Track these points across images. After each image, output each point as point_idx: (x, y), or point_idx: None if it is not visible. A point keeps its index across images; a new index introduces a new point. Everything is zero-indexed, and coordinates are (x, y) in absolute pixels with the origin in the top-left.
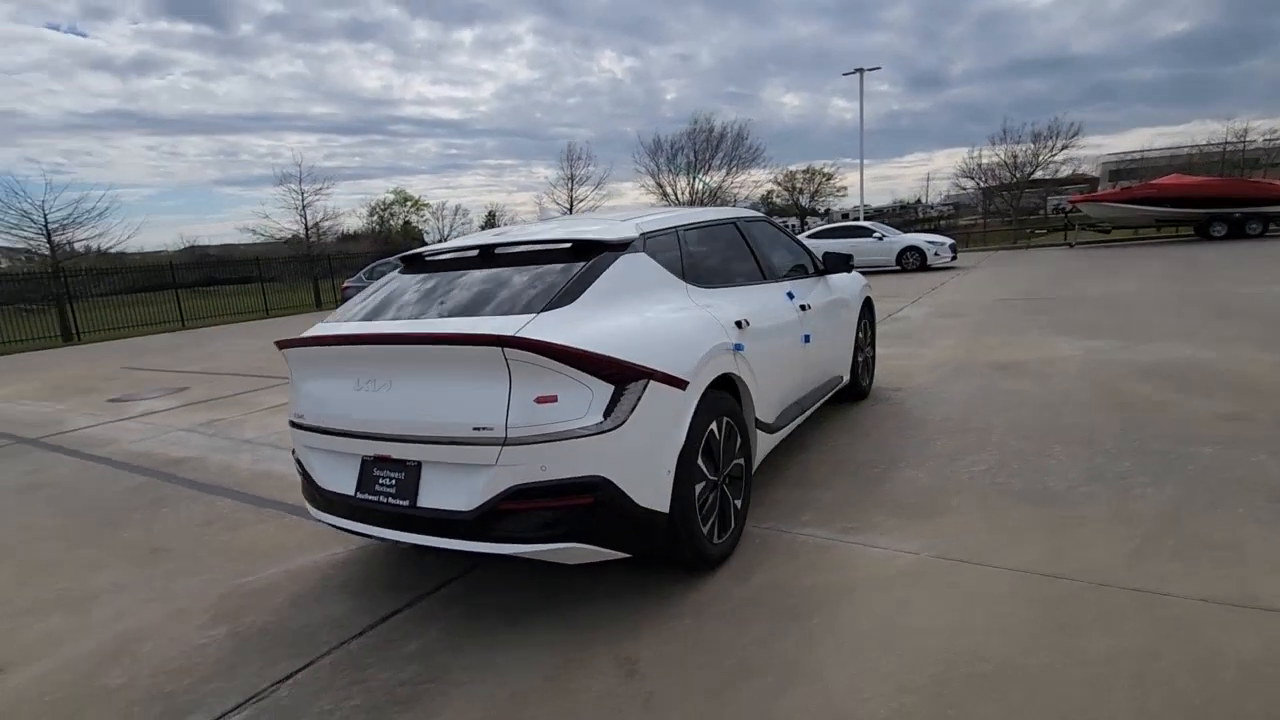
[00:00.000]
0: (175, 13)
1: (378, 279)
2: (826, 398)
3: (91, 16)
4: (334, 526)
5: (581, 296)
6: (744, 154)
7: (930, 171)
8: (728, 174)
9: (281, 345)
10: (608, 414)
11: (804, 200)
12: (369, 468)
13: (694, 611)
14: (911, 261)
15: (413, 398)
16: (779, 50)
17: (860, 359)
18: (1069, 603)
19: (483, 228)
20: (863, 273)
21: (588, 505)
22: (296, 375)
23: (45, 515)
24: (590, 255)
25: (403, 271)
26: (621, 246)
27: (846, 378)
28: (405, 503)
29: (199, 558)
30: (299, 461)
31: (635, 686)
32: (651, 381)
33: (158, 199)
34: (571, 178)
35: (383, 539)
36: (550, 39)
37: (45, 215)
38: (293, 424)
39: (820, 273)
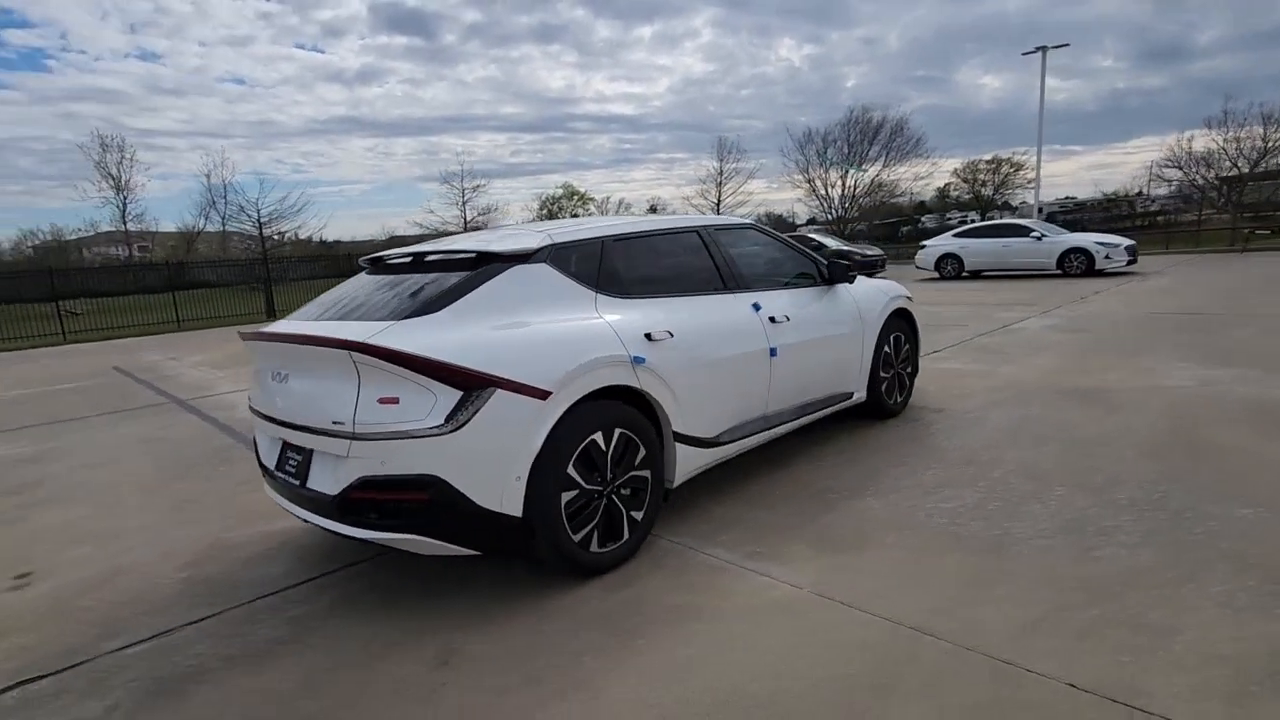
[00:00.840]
0: (394, 27)
1: None
2: (822, 414)
3: (329, 35)
4: (270, 498)
5: (451, 306)
6: (902, 145)
7: (1155, 160)
8: (884, 166)
9: (243, 338)
10: (450, 418)
11: (988, 192)
12: (284, 450)
13: (540, 615)
14: (1076, 265)
15: (301, 392)
16: (981, 26)
17: (888, 375)
18: (910, 662)
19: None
20: (1019, 276)
21: (424, 501)
22: (253, 365)
23: (144, 464)
24: (480, 266)
25: (367, 273)
26: (517, 258)
27: (860, 394)
28: (299, 483)
29: (213, 511)
30: (254, 440)
31: (435, 676)
32: (498, 390)
33: (372, 194)
34: (721, 173)
35: (288, 512)
36: (727, 30)
37: (259, 211)
38: (249, 407)
39: (826, 282)
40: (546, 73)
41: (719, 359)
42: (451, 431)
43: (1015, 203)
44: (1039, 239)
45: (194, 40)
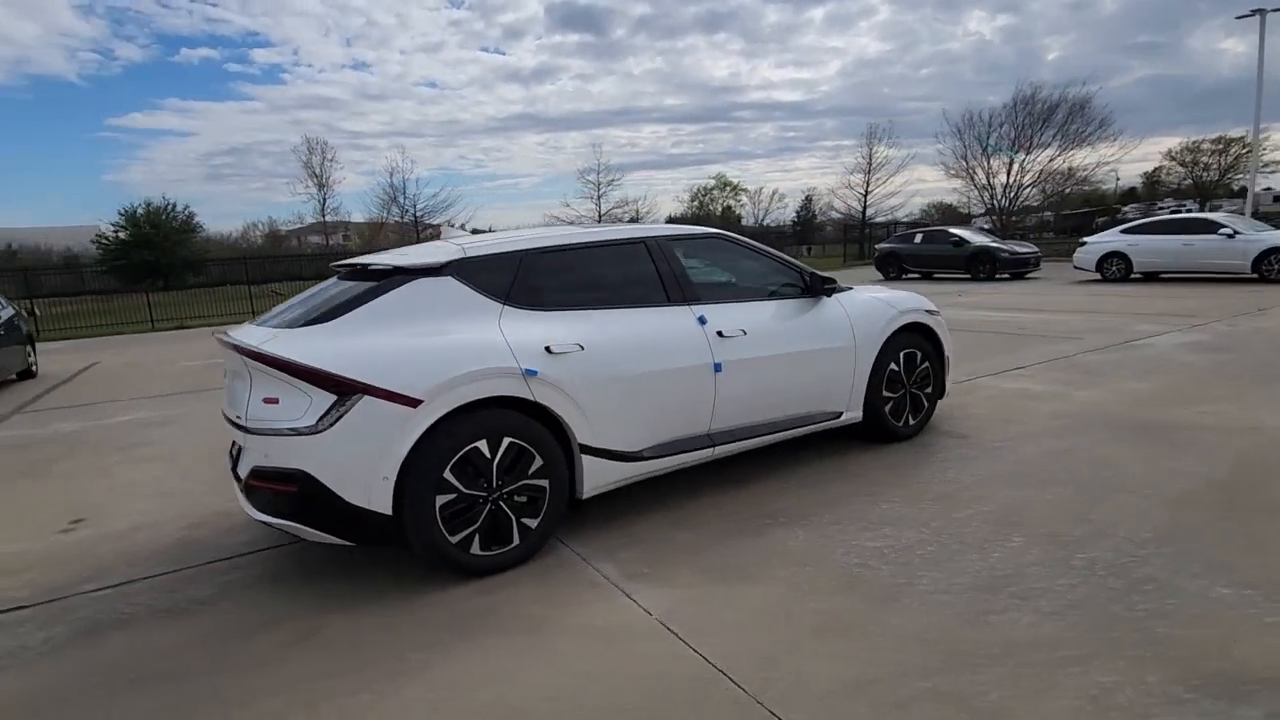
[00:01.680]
0: (567, 25)
1: None
2: (800, 433)
3: (509, 38)
4: None
5: (345, 315)
6: (1081, 128)
7: None
8: (1060, 152)
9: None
10: (321, 420)
11: (1211, 177)
12: (232, 441)
13: (403, 608)
14: (1276, 268)
15: (231, 389)
16: None
17: (894, 395)
18: (689, 706)
19: (798, 214)
20: (1203, 280)
21: (295, 493)
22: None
23: None
24: (385, 278)
25: (340, 277)
26: (421, 272)
27: (853, 415)
28: (232, 468)
29: None
30: None
31: (287, 651)
32: (366, 396)
33: (541, 185)
34: (870, 162)
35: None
36: (907, 6)
37: (415, 205)
38: None
39: (809, 295)
40: (711, 62)
41: (641, 373)
42: (320, 432)
43: (1236, 188)
44: (1230, 236)
45: (396, 49)
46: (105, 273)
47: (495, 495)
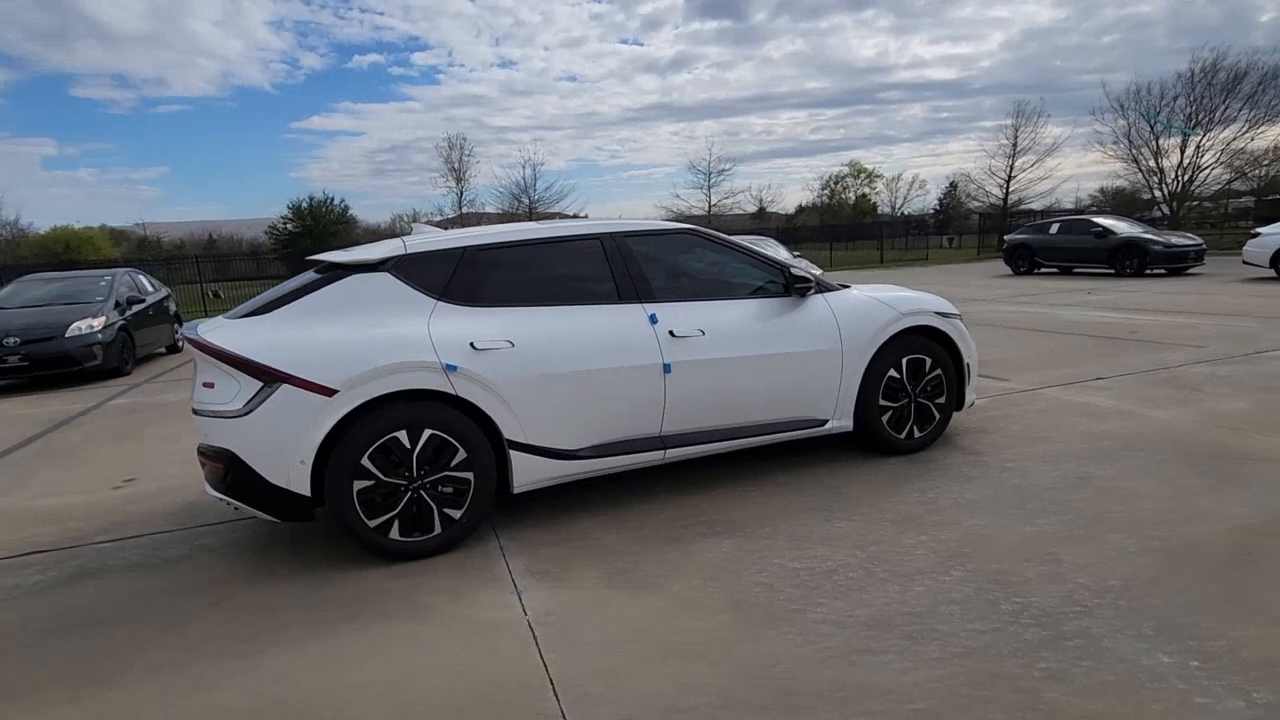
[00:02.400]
0: (706, 13)
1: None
2: (776, 439)
3: (648, 28)
4: None
5: (284, 308)
6: (1274, 100)
7: None
8: (1247, 128)
9: None
10: (247, 404)
11: None
12: None
13: (311, 584)
14: None
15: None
16: None
17: (895, 405)
18: (495, 711)
19: (940, 201)
20: None
21: (225, 470)
22: None
23: None
24: (329, 273)
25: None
26: (358, 268)
27: (840, 423)
28: None
29: None
30: None
31: (200, 612)
32: (285, 384)
33: (674, 175)
34: (1014, 144)
35: None
36: None
37: (530, 196)
38: None
39: (792, 295)
40: (857, 41)
41: (578, 372)
42: (245, 415)
43: None
44: None
45: (540, 46)
46: (277, 259)
47: (416, 484)
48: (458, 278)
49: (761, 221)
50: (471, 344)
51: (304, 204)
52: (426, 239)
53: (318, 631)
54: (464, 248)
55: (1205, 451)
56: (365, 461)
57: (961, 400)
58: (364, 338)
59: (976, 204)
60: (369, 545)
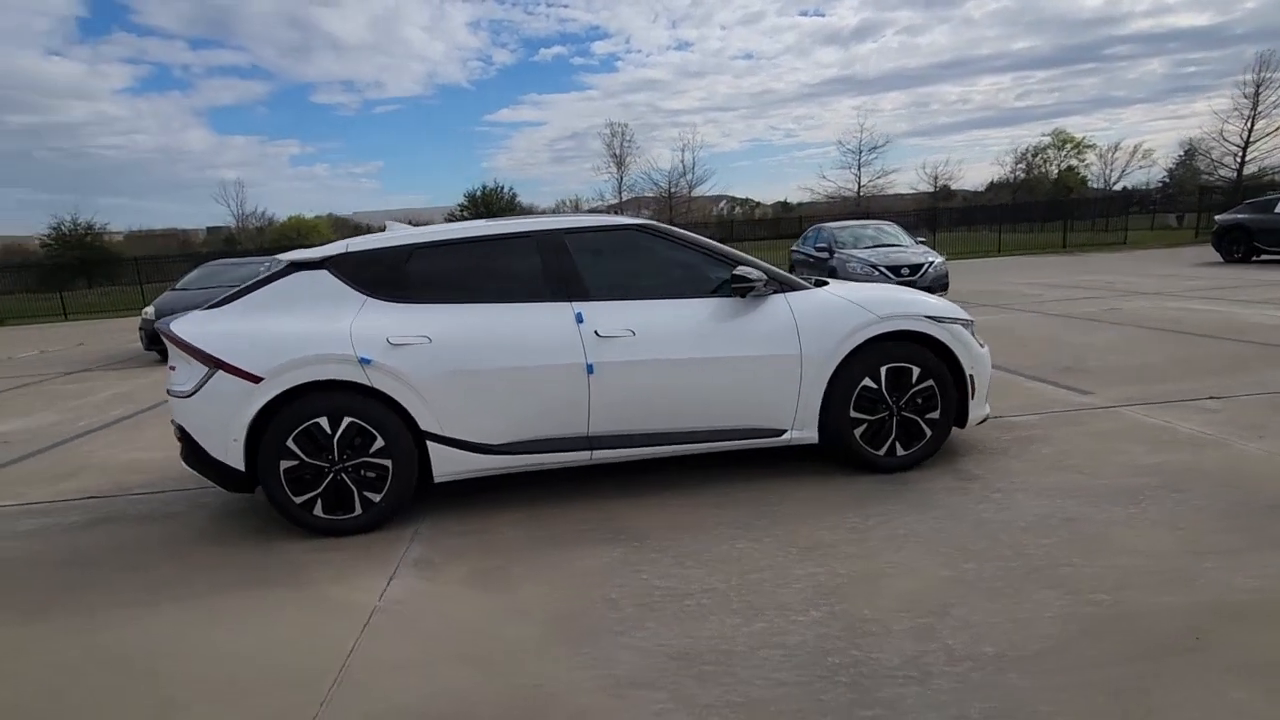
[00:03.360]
0: None
1: None
2: (725, 448)
3: None
4: None
5: (238, 301)
6: None
7: None
8: None
9: None
10: (195, 386)
11: None
12: None
13: (237, 553)
14: None
15: None
16: None
17: (870, 418)
18: (273, 687)
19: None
20: None
21: (181, 443)
22: None
23: None
24: (282, 269)
25: None
26: (304, 265)
27: (802, 434)
28: None
29: None
30: None
31: (138, 568)
32: (220, 370)
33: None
34: (1254, 105)
35: None
36: None
37: (689, 180)
38: None
39: (754, 295)
40: None
41: (496, 369)
42: (188, 396)
43: None
44: None
45: (717, 25)
46: None
47: (337, 467)
48: (389, 276)
49: (942, 201)
50: (388, 339)
51: (478, 192)
52: (368, 239)
53: (218, 589)
54: (398, 247)
55: (1269, 502)
56: (290, 443)
57: (964, 417)
58: (291, 330)
59: (1206, 177)
60: (295, 520)
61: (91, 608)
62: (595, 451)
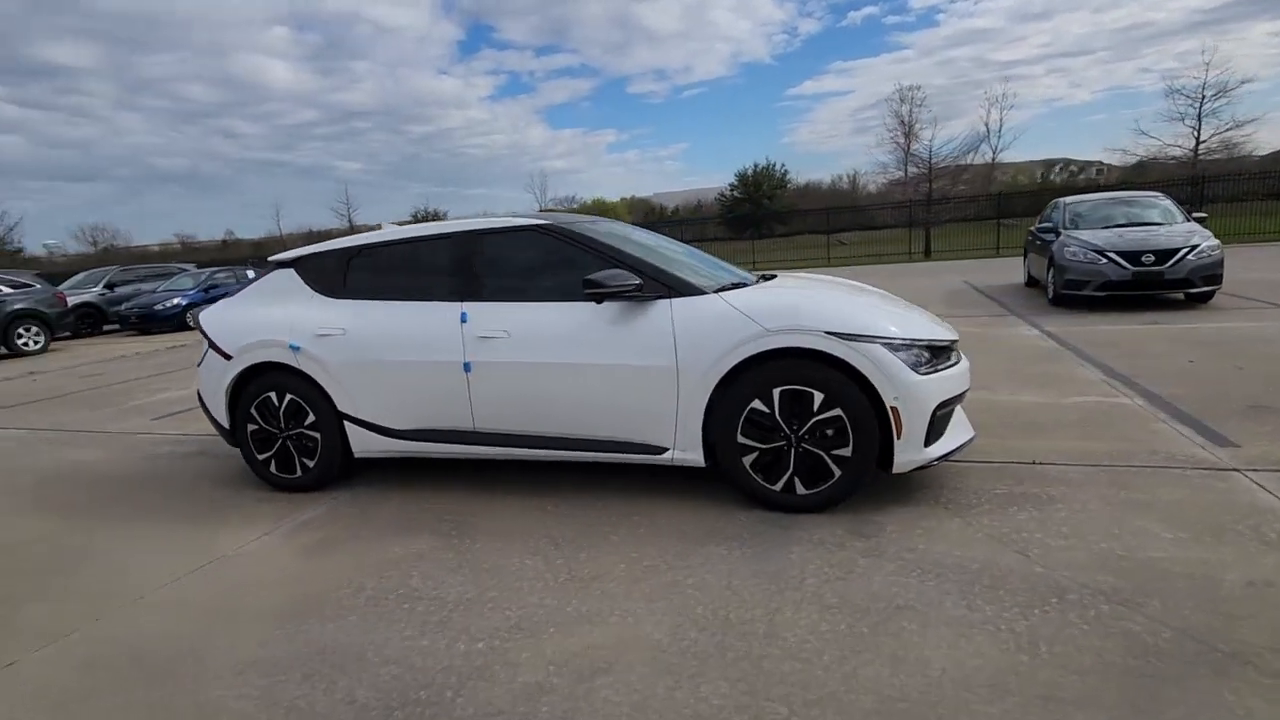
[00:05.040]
0: None
1: None
2: (613, 459)
3: None
4: None
5: (242, 294)
6: None
7: None
8: None
9: None
10: (201, 359)
11: None
12: None
13: (232, 493)
14: None
15: None
16: None
17: (762, 446)
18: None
19: None
20: None
21: (199, 403)
22: None
23: None
24: (270, 268)
25: None
26: (281, 265)
27: (688, 456)
28: None
29: None
30: None
31: (169, 496)
32: (211, 349)
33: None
34: None
35: None
36: None
37: (930, 154)
38: None
39: (643, 299)
40: None
41: (392, 361)
42: (199, 365)
43: None
44: None
45: None
46: (719, 223)
47: (283, 434)
48: (332, 275)
49: None
50: (315, 330)
51: (749, 172)
52: (340, 242)
53: (184, 519)
54: (342, 249)
55: (1231, 649)
56: (253, 410)
57: (889, 459)
58: (255, 319)
59: None
60: (258, 473)
61: (115, 519)
62: (482, 447)
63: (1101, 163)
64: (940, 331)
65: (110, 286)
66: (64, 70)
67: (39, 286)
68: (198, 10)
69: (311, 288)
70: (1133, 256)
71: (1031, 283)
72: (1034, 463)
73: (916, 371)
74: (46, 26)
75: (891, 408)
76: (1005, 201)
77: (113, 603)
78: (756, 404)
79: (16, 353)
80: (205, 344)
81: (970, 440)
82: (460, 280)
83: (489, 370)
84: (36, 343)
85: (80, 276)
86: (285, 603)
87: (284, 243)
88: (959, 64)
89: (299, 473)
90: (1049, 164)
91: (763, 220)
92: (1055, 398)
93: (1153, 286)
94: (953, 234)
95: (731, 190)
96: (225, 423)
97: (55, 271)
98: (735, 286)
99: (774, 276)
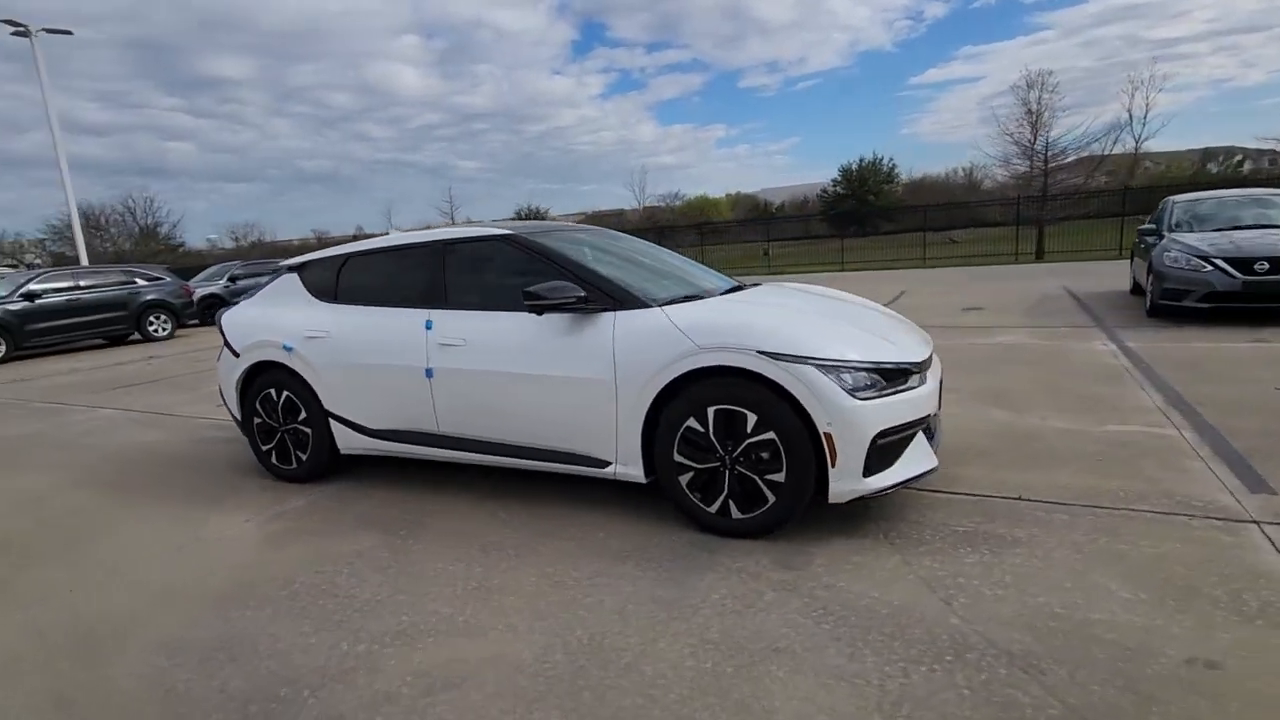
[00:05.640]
0: None
1: None
2: (562, 470)
3: None
4: None
5: (256, 296)
6: None
7: None
8: None
9: None
10: (219, 353)
11: None
12: None
13: (238, 477)
14: None
15: None
16: None
17: (697, 466)
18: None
19: None
20: None
21: (219, 394)
22: None
23: None
24: (281, 272)
25: None
26: (287, 270)
27: (629, 471)
28: None
29: None
30: None
31: (190, 474)
32: (225, 347)
33: None
34: None
35: None
36: None
37: (1046, 148)
38: None
39: (590, 311)
40: None
41: (366, 364)
42: (218, 360)
43: None
44: None
45: None
46: (822, 220)
47: (282, 428)
48: (327, 280)
49: None
50: (305, 332)
51: (853, 166)
52: (336, 249)
53: (191, 501)
54: (336, 256)
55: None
56: (258, 405)
57: (825, 486)
58: (261, 320)
59: None
60: (263, 464)
61: (139, 490)
62: (449, 450)
63: (1276, 152)
64: (894, 354)
65: (233, 279)
66: (226, 82)
67: (168, 280)
68: (339, 23)
69: (309, 292)
70: (1244, 264)
71: (1137, 290)
72: (1018, 498)
73: (855, 396)
74: (215, 43)
75: (825, 433)
76: (1138, 196)
77: (94, 576)
78: (692, 422)
79: (148, 338)
80: (223, 343)
81: (929, 471)
82: (429, 288)
83: (448, 376)
84: (165, 330)
85: (211, 270)
86: (227, 588)
87: None
88: (1108, 43)
89: (294, 464)
90: (1209, 153)
91: (866, 218)
92: (1088, 425)
93: (1269, 299)
94: (1071, 233)
95: (834, 186)
96: (238, 414)
97: (209, 263)
98: (689, 299)
99: (758, 285)
